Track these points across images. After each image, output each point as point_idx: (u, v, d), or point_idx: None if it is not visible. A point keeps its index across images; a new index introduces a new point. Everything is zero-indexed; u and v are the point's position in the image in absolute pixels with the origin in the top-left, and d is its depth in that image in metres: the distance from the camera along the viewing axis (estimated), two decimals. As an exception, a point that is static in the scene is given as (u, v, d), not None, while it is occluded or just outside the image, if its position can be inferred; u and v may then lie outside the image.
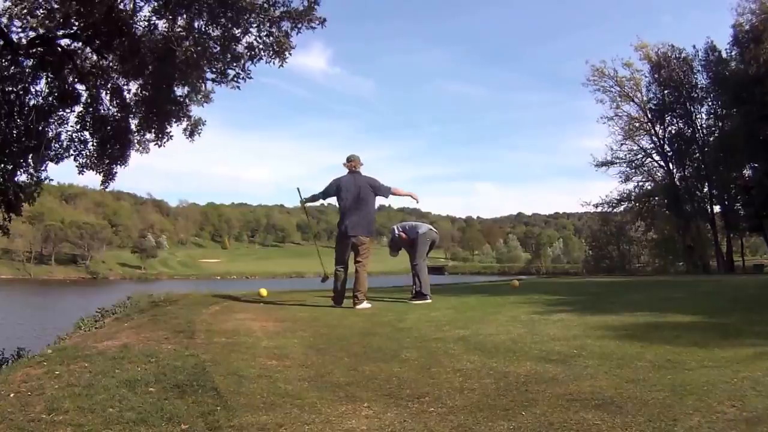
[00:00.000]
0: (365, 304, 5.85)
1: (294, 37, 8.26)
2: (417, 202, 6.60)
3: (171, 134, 9.73)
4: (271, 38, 8.17)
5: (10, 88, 8.59)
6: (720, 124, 25.78)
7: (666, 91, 26.31)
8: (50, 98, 9.31)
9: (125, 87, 9.62)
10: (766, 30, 21.39)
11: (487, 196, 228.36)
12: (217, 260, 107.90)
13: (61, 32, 7.90)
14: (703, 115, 26.68)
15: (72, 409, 2.28)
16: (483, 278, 32.53)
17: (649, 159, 27.79)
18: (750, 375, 2.61)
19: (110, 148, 9.79)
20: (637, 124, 27.48)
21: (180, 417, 2.18)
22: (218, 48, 8.30)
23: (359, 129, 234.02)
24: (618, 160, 27.56)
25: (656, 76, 26.30)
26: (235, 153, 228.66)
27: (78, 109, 9.62)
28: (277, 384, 2.71)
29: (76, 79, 9.36)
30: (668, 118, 26.83)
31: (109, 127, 9.69)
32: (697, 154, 26.45)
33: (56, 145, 9.63)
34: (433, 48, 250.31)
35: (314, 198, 6.37)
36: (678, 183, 26.85)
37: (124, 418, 2.17)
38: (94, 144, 9.87)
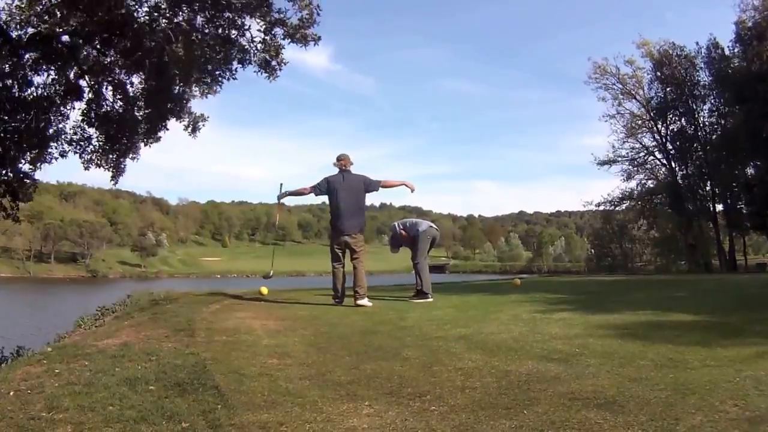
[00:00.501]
0: (366, 300, 5.87)
1: (286, 48, 8.40)
2: (412, 191, 6.57)
3: (167, 128, 9.80)
4: (264, 45, 8.26)
5: (10, 82, 8.60)
6: (722, 121, 25.72)
7: (668, 89, 26.25)
8: (52, 91, 9.31)
9: (128, 81, 9.65)
10: (770, 27, 21.33)
11: (488, 194, 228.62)
12: (218, 258, 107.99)
13: (60, 30, 7.90)
14: (706, 113, 26.68)
15: (72, 408, 2.27)
16: (484, 277, 32.53)
17: (651, 157, 27.79)
18: (752, 374, 2.59)
19: (117, 142, 9.82)
20: (639, 122, 27.45)
21: (180, 415, 2.18)
22: (209, 49, 8.36)
23: (359, 127, 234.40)
24: (620, 159, 27.57)
25: (658, 73, 26.25)
26: (235, 151, 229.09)
27: (80, 105, 9.65)
28: (278, 382, 2.70)
29: (78, 75, 9.37)
30: (670, 115, 26.78)
31: (113, 123, 9.71)
32: (700, 152, 26.40)
33: (58, 142, 9.64)
34: (434, 45, 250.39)
35: (299, 192, 6.39)
36: (680, 181, 26.80)
37: (125, 417, 2.16)
38: (100, 140, 9.89)
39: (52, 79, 9.21)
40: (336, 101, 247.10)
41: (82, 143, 9.74)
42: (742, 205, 25.40)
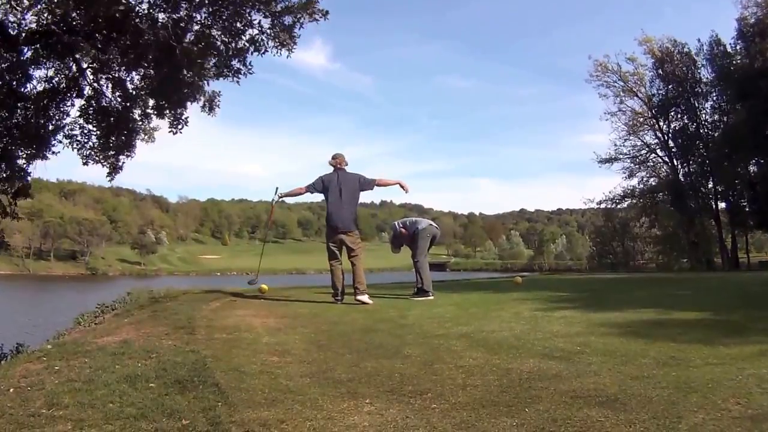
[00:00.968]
0: (366, 297, 5.88)
1: (297, 30, 8.31)
2: (406, 191, 6.56)
3: (187, 119, 9.76)
4: (274, 30, 8.20)
5: (9, 78, 8.58)
6: (725, 119, 25.63)
7: (670, 86, 26.18)
8: (51, 86, 9.29)
9: (127, 77, 9.62)
10: (772, 24, 21.25)
11: (488, 192, 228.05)
12: (217, 256, 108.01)
13: (60, 26, 7.88)
14: (708, 110, 26.61)
15: (72, 405, 2.27)
16: (485, 275, 32.48)
17: (653, 154, 27.75)
18: (755, 372, 2.58)
19: (115, 138, 9.81)
20: (640, 120, 27.38)
21: (181, 412, 2.17)
22: (219, 42, 8.31)
23: (358, 125, 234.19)
24: (622, 156, 27.53)
25: (660, 70, 26.17)
26: (235, 149, 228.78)
27: (80, 102, 9.64)
28: (279, 380, 2.69)
29: (77, 71, 9.36)
30: (672, 113, 26.73)
31: (112, 118, 9.70)
32: (702, 150, 26.33)
33: (56, 137, 9.63)
34: (433, 42, 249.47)
35: (294, 193, 6.45)
36: (682, 179, 26.75)
37: (125, 414, 2.16)
38: (98, 135, 9.87)
39: (51, 75, 9.21)
40: (335, 99, 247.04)
41: (81, 138, 9.74)
42: (745, 203, 25.34)
